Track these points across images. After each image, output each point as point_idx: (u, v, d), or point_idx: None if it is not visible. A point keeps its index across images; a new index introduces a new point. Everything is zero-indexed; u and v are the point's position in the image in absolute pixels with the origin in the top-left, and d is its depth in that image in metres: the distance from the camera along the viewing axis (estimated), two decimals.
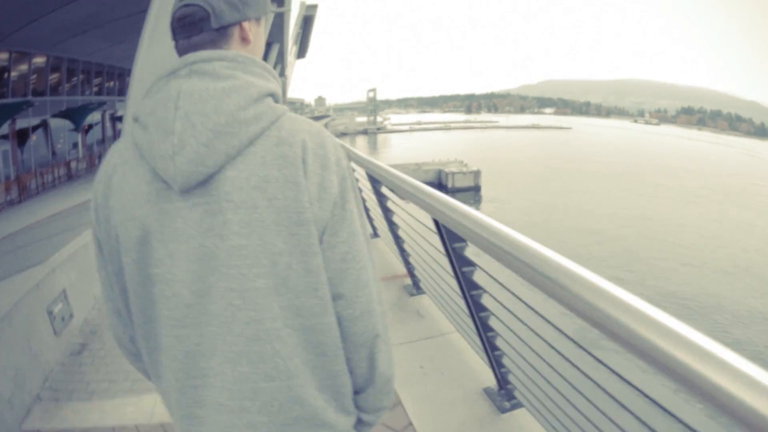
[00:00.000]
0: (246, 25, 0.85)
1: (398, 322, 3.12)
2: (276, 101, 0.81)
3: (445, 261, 2.32)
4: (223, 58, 0.78)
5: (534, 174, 45.62)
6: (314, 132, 0.80)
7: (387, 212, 3.47)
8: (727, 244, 24.96)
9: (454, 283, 2.31)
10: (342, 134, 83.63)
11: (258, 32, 0.88)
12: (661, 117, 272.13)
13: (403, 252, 3.47)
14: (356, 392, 0.89)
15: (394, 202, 3.40)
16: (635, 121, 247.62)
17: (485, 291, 2.01)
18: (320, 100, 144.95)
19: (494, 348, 2.10)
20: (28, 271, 3.23)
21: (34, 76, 18.90)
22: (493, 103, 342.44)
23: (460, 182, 37.67)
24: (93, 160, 22.13)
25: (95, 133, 24.52)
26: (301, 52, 55.07)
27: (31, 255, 4.29)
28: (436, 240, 2.26)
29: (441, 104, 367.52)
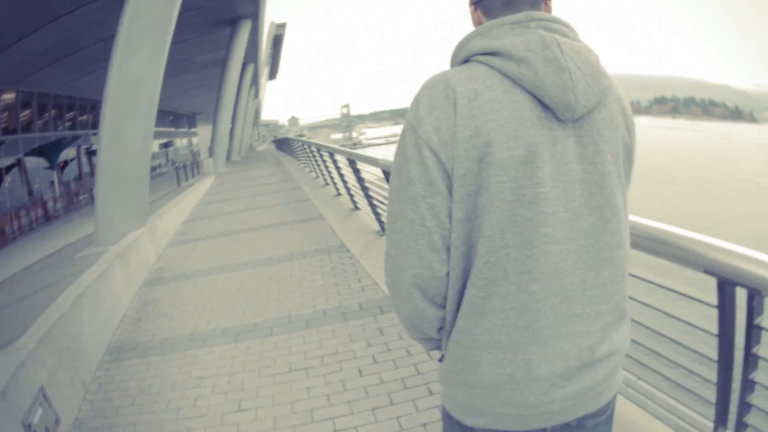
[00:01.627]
0: (550, 3, 0.93)
1: None
2: None
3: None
4: (562, 22, 0.86)
5: None
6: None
7: None
8: None
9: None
10: None
11: None
12: (635, 109, 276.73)
13: None
14: None
15: None
16: None
17: None
18: (293, 120, 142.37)
19: None
20: None
21: (5, 113, 17.81)
22: None
23: None
24: (71, 198, 20.80)
25: (71, 170, 23.29)
26: (273, 73, 53.96)
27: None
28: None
29: None
